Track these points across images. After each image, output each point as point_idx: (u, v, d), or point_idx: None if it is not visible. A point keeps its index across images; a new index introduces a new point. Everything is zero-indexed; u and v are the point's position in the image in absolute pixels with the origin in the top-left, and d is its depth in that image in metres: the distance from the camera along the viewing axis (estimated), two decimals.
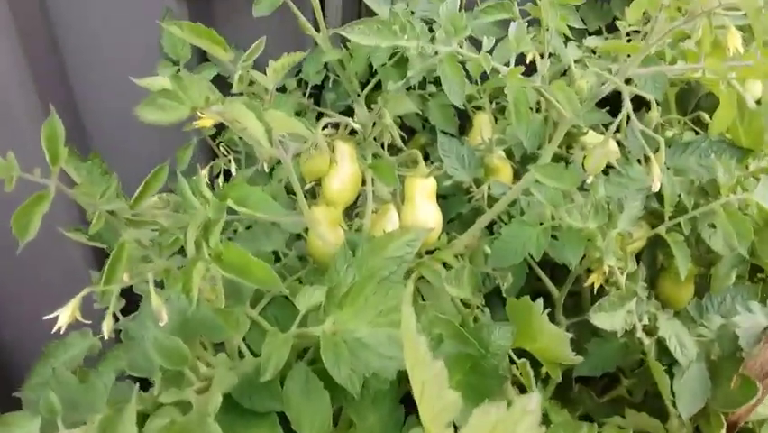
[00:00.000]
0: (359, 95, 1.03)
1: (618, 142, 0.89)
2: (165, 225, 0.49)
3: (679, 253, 0.72)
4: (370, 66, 1.07)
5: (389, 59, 1.03)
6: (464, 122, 1.16)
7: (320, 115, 1.12)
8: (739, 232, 0.73)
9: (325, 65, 1.18)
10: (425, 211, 0.71)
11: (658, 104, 0.76)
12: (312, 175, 0.70)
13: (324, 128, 0.68)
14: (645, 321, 0.70)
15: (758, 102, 1.21)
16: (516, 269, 0.81)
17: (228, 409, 0.55)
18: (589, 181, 0.70)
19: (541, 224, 0.67)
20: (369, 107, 0.89)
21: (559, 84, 0.69)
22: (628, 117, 0.67)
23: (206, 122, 0.54)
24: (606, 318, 0.66)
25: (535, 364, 0.69)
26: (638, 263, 0.92)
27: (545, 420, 0.69)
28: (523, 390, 0.67)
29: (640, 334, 0.68)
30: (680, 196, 0.78)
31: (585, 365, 0.76)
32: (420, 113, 1.17)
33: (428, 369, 0.42)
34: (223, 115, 0.48)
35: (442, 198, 0.90)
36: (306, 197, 0.66)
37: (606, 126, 0.87)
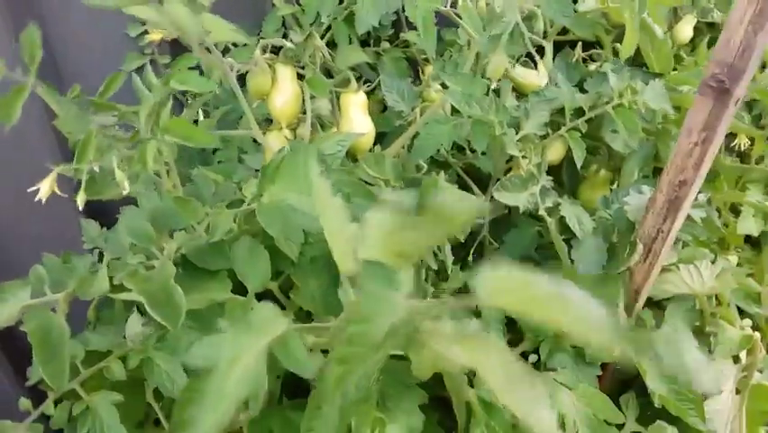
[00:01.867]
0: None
1: None
2: (122, 110, 0.61)
3: (575, 146, 0.84)
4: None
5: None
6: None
7: None
8: (628, 127, 0.85)
9: (283, 23, 1.30)
10: (357, 121, 0.83)
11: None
12: (257, 93, 0.82)
13: (264, 52, 0.80)
14: (549, 204, 0.82)
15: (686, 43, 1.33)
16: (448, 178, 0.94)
17: (186, 269, 0.67)
18: (493, 87, 0.82)
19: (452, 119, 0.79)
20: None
21: (463, 5, 0.81)
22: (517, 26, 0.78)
23: (155, 36, 0.66)
24: (509, 197, 0.78)
25: None
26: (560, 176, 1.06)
27: None
28: None
29: (542, 211, 0.80)
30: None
31: (506, 252, 0.88)
32: (374, 64, 1.28)
33: (330, 206, 0.53)
34: (163, 18, 0.59)
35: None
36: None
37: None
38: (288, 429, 0.78)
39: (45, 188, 0.61)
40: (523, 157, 0.80)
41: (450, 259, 0.74)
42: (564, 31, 1.25)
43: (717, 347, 0.93)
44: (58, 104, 0.60)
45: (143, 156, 0.59)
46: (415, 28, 0.94)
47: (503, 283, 0.43)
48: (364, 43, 1.34)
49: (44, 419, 0.68)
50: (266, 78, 0.81)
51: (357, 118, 0.83)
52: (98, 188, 0.73)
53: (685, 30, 1.27)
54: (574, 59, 1.17)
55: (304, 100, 0.84)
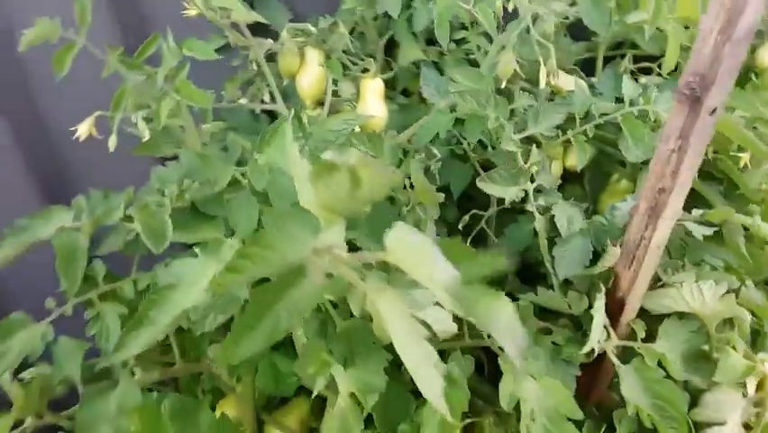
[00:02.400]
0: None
1: None
2: (148, 71, 0.73)
3: (580, 150, 0.87)
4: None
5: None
6: None
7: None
8: (634, 135, 0.86)
9: None
10: (371, 104, 0.91)
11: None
12: (286, 72, 0.92)
13: (295, 36, 0.90)
14: (542, 202, 0.85)
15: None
16: (459, 173, 0.99)
17: (192, 212, 0.78)
18: (502, 86, 0.87)
19: (451, 112, 0.84)
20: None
21: (481, 6, 0.86)
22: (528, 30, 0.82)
23: (191, 12, 0.78)
24: (496, 189, 0.82)
25: None
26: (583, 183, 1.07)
27: None
28: None
29: (531, 207, 0.83)
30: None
31: (505, 243, 0.92)
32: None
33: (297, 165, 0.61)
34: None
35: None
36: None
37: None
38: (270, 370, 0.88)
39: (84, 128, 0.74)
40: (523, 155, 0.84)
41: None
42: (619, 44, 1.26)
43: (718, 374, 0.91)
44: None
45: (158, 111, 0.70)
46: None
47: (397, 240, 0.50)
48: (430, 42, 1.41)
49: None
50: (294, 59, 0.91)
51: (372, 102, 0.91)
52: (155, 146, 0.87)
53: (764, 55, 1.22)
54: (622, 70, 1.17)
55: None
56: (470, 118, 0.81)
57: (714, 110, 0.67)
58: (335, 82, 0.92)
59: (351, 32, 1.39)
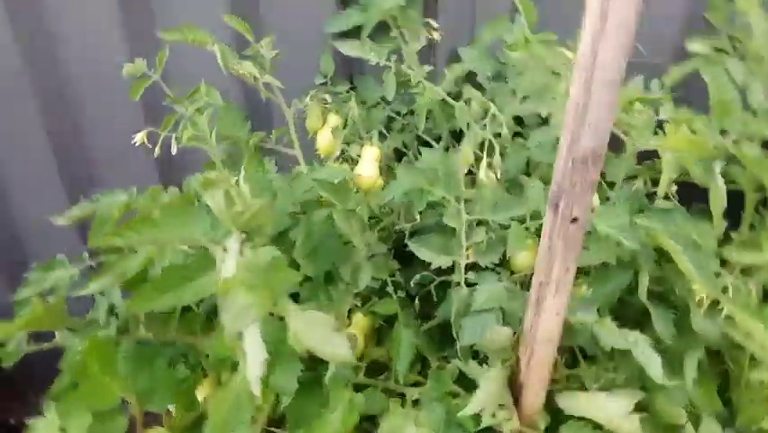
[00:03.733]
0: None
1: None
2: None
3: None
4: None
5: None
6: None
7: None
8: None
9: None
10: (365, 166, 1.11)
11: None
12: (311, 129, 1.16)
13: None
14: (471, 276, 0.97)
15: None
16: None
17: None
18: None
19: None
20: None
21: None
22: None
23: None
24: (425, 253, 0.96)
25: None
26: None
27: None
28: None
29: (459, 279, 0.96)
30: None
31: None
32: None
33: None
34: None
35: None
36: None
37: None
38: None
39: (139, 136, 1.04)
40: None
41: None
42: None
43: None
44: None
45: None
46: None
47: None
48: None
49: None
50: (317, 120, 1.14)
51: (365, 164, 1.11)
52: None
53: None
54: (634, 188, 1.22)
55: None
56: (414, 192, 0.97)
57: (575, 219, 0.76)
58: (348, 144, 1.14)
59: None
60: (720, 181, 1.08)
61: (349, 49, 1.14)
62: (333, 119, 1.14)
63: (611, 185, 1.26)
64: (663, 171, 1.09)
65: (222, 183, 0.68)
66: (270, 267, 0.70)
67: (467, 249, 0.99)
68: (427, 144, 1.37)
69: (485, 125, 1.00)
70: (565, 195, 0.74)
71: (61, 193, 1.40)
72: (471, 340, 0.94)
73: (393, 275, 1.10)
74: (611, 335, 0.89)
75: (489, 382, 0.91)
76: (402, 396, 1.03)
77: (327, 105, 1.15)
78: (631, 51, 0.65)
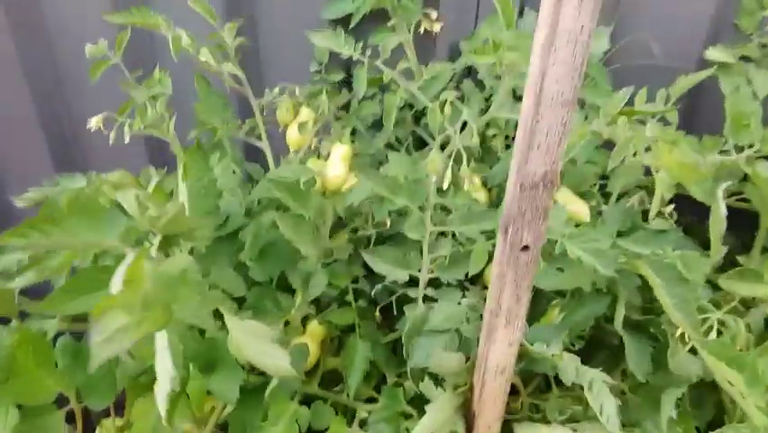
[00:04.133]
0: None
1: None
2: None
3: None
4: None
5: None
6: None
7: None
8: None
9: None
10: (333, 164, 1.04)
11: None
12: (281, 121, 1.10)
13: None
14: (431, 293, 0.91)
15: None
16: None
17: None
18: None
19: None
20: None
21: (430, 109, 0.95)
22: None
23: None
24: (381, 265, 0.90)
25: None
26: None
27: None
28: None
29: (417, 295, 0.89)
30: None
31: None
32: None
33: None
34: None
35: None
36: None
37: None
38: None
39: (93, 121, 0.99)
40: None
41: None
42: None
43: None
44: None
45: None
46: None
47: None
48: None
49: None
50: (287, 113, 1.08)
51: (334, 162, 1.04)
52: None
53: None
54: (628, 204, 1.13)
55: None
56: (375, 198, 0.90)
57: (525, 247, 0.69)
58: (319, 140, 1.08)
59: None
60: (722, 204, 0.98)
61: (321, 40, 1.07)
62: (305, 113, 1.07)
63: (608, 195, 1.17)
64: (656, 189, 0.99)
65: (129, 185, 0.63)
66: (179, 279, 0.64)
67: (432, 262, 0.92)
68: (424, 145, 1.31)
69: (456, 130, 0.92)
70: (514, 221, 0.67)
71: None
72: (421, 362, 0.87)
73: (356, 281, 1.04)
74: (569, 369, 0.81)
75: (438, 407, 0.85)
76: (354, 412, 0.98)
77: (300, 99, 1.09)
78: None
